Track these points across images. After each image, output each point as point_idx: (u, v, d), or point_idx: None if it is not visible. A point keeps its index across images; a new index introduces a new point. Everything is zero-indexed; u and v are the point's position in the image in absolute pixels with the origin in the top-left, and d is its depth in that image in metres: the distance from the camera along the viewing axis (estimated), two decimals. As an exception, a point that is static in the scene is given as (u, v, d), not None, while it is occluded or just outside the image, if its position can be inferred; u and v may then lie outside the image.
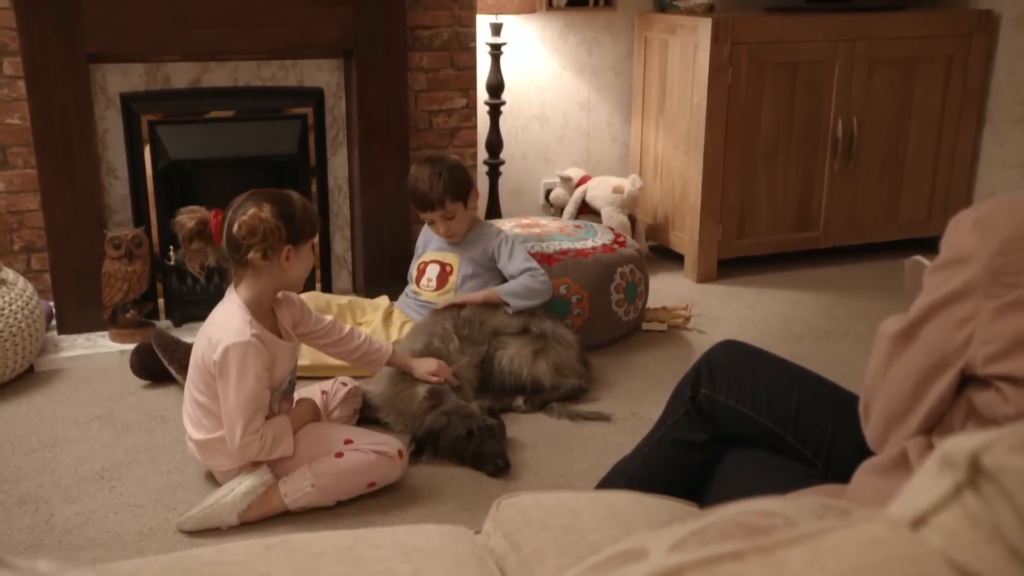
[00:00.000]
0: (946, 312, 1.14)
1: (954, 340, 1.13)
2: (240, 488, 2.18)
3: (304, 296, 2.91)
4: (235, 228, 2.16)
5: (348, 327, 2.52)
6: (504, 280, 2.99)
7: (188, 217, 2.23)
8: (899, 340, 1.20)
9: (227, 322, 2.19)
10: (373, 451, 2.26)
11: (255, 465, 2.24)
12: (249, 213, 2.15)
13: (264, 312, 2.26)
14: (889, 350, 1.21)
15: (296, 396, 2.43)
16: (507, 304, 2.87)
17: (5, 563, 0.62)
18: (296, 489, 2.20)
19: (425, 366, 2.59)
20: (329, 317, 2.49)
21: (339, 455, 2.24)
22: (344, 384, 2.61)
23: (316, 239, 2.34)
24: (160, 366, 2.86)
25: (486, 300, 2.88)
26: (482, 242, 3.01)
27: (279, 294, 2.31)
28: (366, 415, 2.66)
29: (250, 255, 2.15)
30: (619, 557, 0.81)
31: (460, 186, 2.93)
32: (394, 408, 2.62)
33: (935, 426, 1.19)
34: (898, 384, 1.20)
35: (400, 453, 2.30)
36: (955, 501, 0.59)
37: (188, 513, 2.18)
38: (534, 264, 2.95)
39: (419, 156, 3.59)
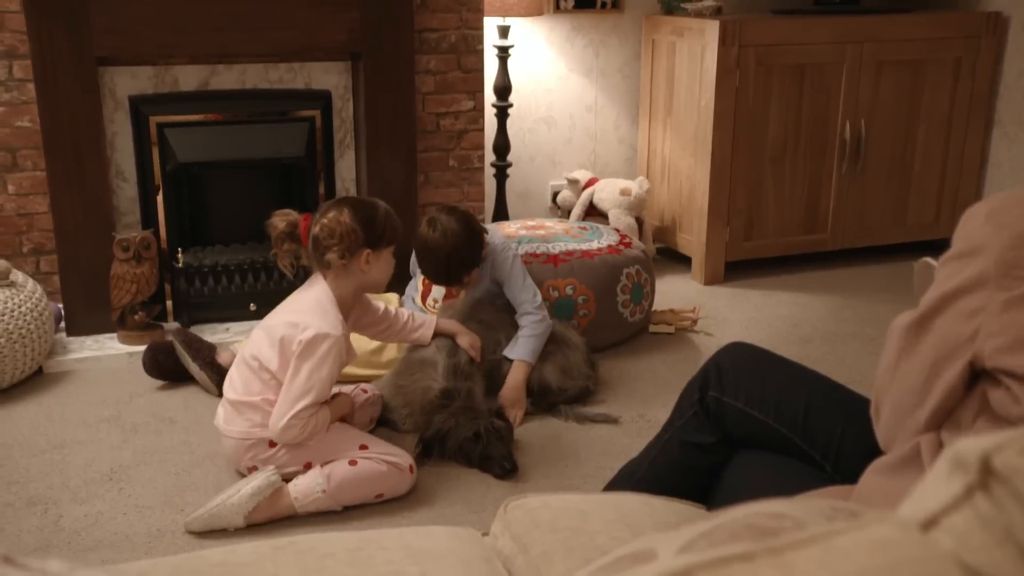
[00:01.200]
0: (957, 303, 1.13)
1: (963, 331, 1.12)
2: (247, 489, 2.18)
3: None
4: (316, 229, 2.29)
5: (394, 309, 2.63)
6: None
7: (280, 219, 2.36)
8: (910, 333, 1.19)
9: (321, 312, 2.28)
10: (386, 461, 2.28)
11: (271, 445, 2.27)
12: (329, 216, 2.29)
13: (346, 312, 2.36)
14: (900, 344, 1.21)
15: None
16: (533, 363, 2.77)
17: (17, 563, 0.62)
18: (307, 493, 2.21)
19: (469, 338, 2.68)
20: (382, 304, 2.59)
21: (353, 463, 2.26)
22: (364, 391, 2.63)
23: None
24: (173, 365, 2.87)
25: (526, 377, 2.75)
26: (492, 271, 2.89)
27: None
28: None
29: (328, 256, 2.28)
30: (627, 559, 0.81)
31: (472, 259, 2.77)
32: (403, 397, 2.61)
33: (944, 421, 1.18)
34: (909, 378, 1.19)
35: (411, 468, 2.32)
36: (966, 503, 0.59)
37: (194, 513, 2.18)
38: (530, 295, 2.82)
39: (426, 159, 3.60)
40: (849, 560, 0.57)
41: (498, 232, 3.14)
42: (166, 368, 2.89)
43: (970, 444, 0.61)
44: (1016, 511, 0.57)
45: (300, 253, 2.37)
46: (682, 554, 0.70)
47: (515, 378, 2.75)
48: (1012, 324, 1.07)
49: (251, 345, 2.34)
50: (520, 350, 2.77)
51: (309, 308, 2.30)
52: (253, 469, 2.30)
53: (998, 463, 0.58)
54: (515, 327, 2.83)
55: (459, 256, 2.73)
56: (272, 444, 2.28)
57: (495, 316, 2.84)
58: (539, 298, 2.83)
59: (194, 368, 2.84)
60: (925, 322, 1.17)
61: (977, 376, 1.14)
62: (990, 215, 1.12)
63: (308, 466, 2.28)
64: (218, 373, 2.77)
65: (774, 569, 0.57)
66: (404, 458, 2.32)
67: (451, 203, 3.69)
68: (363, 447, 2.30)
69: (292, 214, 2.37)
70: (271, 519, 2.21)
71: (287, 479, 2.26)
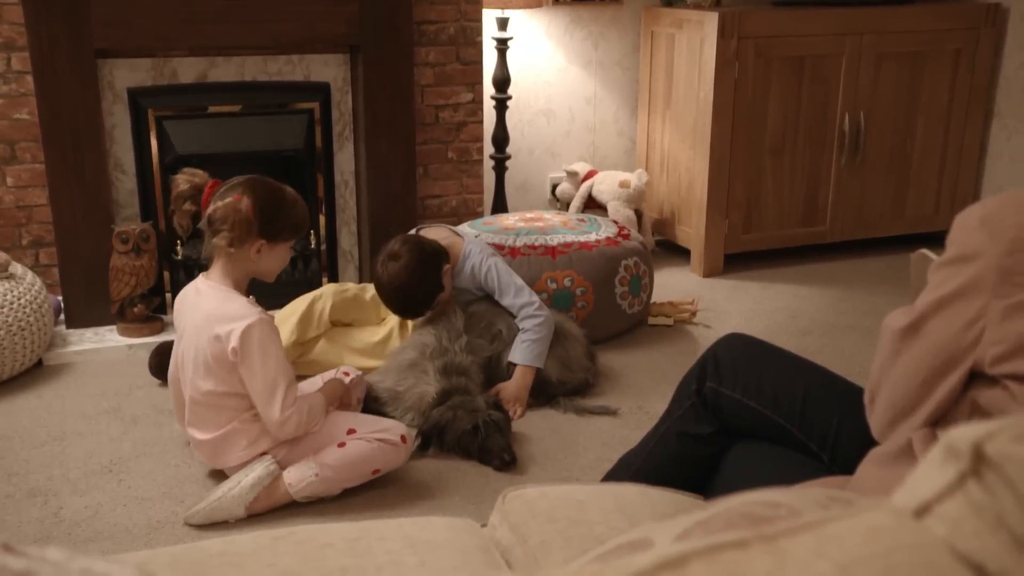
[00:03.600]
0: (951, 308, 1.14)
1: (963, 339, 1.13)
2: (247, 480, 2.18)
3: (329, 288, 2.93)
4: (211, 209, 2.19)
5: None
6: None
7: (185, 179, 2.26)
8: (904, 335, 1.20)
9: (228, 310, 2.18)
10: (376, 439, 2.27)
11: (263, 454, 2.26)
12: (226, 201, 2.17)
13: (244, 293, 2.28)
14: (896, 346, 1.22)
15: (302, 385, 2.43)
16: (540, 367, 2.75)
17: (16, 551, 0.63)
18: (300, 479, 2.21)
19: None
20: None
21: (342, 444, 2.25)
22: (346, 373, 2.61)
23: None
24: None
25: (532, 380, 2.73)
26: (469, 276, 2.86)
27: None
28: (373, 408, 2.66)
29: (215, 239, 2.18)
30: (625, 547, 0.82)
31: (428, 294, 2.74)
32: (401, 404, 2.62)
33: (941, 419, 1.19)
34: (905, 380, 1.20)
35: (403, 438, 2.31)
36: (958, 490, 0.59)
37: (195, 507, 2.19)
38: (526, 298, 2.79)
39: (425, 152, 3.60)
40: (842, 547, 0.58)
41: (473, 236, 3.06)
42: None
43: (963, 432, 0.61)
44: (1008, 498, 0.57)
45: (198, 216, 2.27)
46: (678, 542, 0.71)
47: (522, 381, 2.73)
48: (1013, 331, 1.08)
49: (190, 386, 2.23)
50: (526, 355, 2.73)
51: (219, 314, 2.18)
52: None
53: (990, 450, 0.59)
54: (513, 315, 2.83)
55: (412, 295, 2.72)
56: (263, 453, 2.26)
57: (490, 308, 2.84)
58: (535, 297, 2.80)
59: None
60: (919, 326, 1.18)
61: (970, 379, 1.15)
62: (984, 220, 1.12)
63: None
64: None
65: (768, 556, 0.58)
66: (395, 431, 2.30)
67: (450, 195, 3.71)
68: (351, 430, 2.28)
69: (199, 176, 2.26)
70: (271, 508, 2.22)
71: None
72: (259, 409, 2.19)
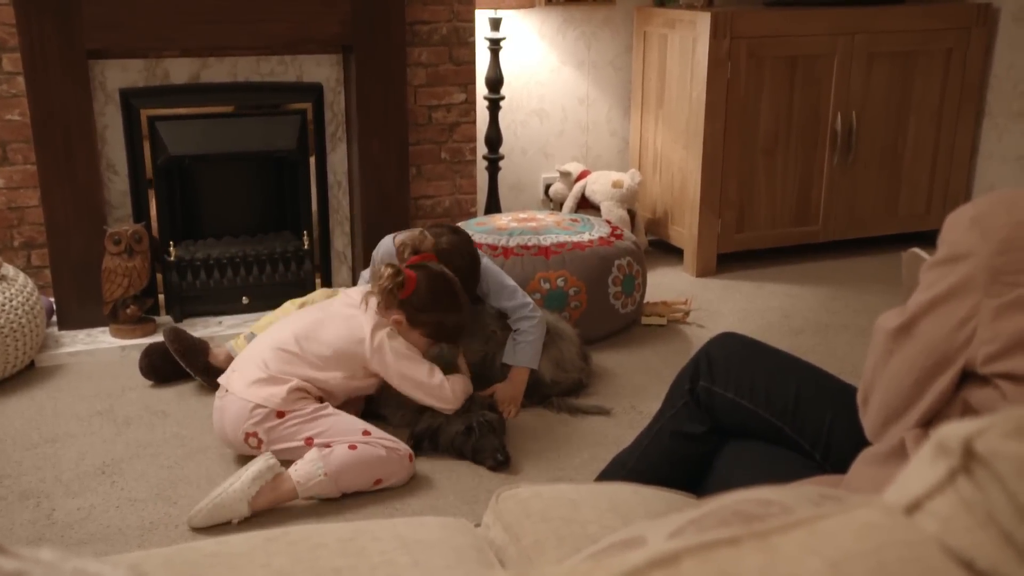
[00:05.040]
0: (944, 308, 1.14)
1: (955, 339, 1.13)
2: (247, 475, 2.18)
3: (320, 292, 2.96)
4: (386, 267, 2.46)
5: None
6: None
7: (416, 239, 2.67)
8: (897, 335, 1.21)
9: (360, 325, 2.43)
10: (385, 447, 2.30)
11: (279, 416, 2.32)
12: (396, 275, 2.42)
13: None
14: (888, 346, 1.22)
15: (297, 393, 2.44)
16: (534, 368, 2.75)
17: (9, 551, 0.63)
18: (309, 477, 2.22)
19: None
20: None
21: (352, 447, 2.27)
22: None
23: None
24: (171, 369, 2.86)
25: (526, 380, 2.75)
26: None
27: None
28: (368, 408, 2.66)
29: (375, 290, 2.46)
30: (618, 546, 0.82)
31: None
32: (393, 400, 2.62)
33: (933, 419, 1.20)
34: (898, 380, 1.21)
35: (411, 457, 2.34)
36: (949, 487, 0.60)
37: (197, 507, 2.17)
38: (519, 300, 2.78)
39: (418, 152, 3.60)
40: (834, 543, 0.58)
41: None
42: (162, 371, 2.89)
43: (953, 429, 0.61)
44: (998, 494, 0.57)
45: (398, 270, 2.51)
46: (671, 540, 0.71)
47: (517, 381, 2.73)
48: (1004, 330, 1.09)
49: (316, 342, 2.41)
50: (523, 357, 2.73)
51: (356, 325, 2.41)
52: (251, 436, 2.33)
53: (980, 447, 0.59)
54: (504, 315, 2.82)
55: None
56: (280, 415, 2.31)
57: (483, 309, 2.84)
58: (528, 299, 2.79)
59: (190, 372, 2.84)
60: (911, 326, 1.19)
61: (962, 379, 1.16)
62: (975, 220, 1.12)
63: (308, 441, 2.30)
64: (214, 375, 2.76)
65: (760, 552, 0.58)
66: (404, 449, 2.35)
67: (443, 195, 3.71)
68: (366, 432, 2.33)
69: (426, 245, 2.62)
70: (274, 505, 2.21)
71: (284, 461, 2.27)
72: (425, 399, 2.45)
